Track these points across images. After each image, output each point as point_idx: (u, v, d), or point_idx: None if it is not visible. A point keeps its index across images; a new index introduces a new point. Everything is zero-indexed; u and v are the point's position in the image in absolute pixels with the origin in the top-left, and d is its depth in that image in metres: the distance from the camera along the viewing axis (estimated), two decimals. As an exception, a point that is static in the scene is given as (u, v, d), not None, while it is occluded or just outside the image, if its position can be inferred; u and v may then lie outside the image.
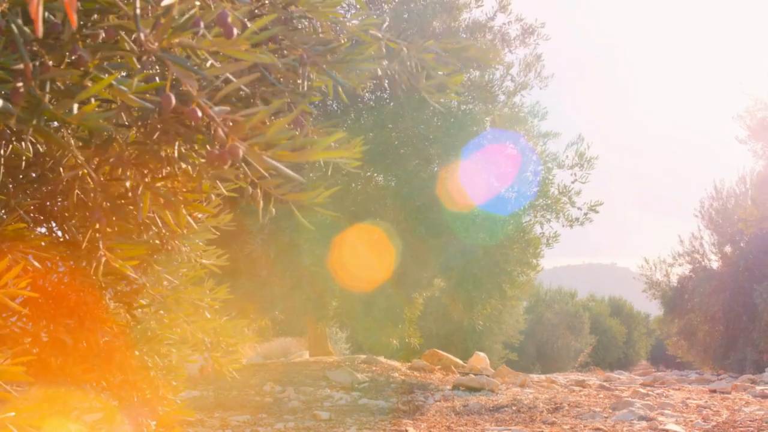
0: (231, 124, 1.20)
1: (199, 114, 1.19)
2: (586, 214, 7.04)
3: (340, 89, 2.10)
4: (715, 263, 13.99)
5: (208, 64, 1.33)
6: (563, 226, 7.11)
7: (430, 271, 7.67)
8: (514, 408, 5.75)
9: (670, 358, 18.33)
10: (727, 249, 13.40)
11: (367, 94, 7.46)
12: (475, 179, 7.20)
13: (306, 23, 1.98)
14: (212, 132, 1.20)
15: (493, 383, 6.34)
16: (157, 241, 2.30)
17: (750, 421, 5.27)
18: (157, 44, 1.06)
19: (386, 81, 2.25)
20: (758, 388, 7.18)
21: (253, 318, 7.56)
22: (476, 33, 7.12)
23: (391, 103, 7.05)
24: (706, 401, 6.23)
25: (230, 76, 1.28)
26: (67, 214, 2.14)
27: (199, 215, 2.44)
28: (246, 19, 1.61)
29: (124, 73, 1.31)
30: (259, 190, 2.27)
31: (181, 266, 2.46)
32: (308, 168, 6.43)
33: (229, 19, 1.17)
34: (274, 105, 1.21)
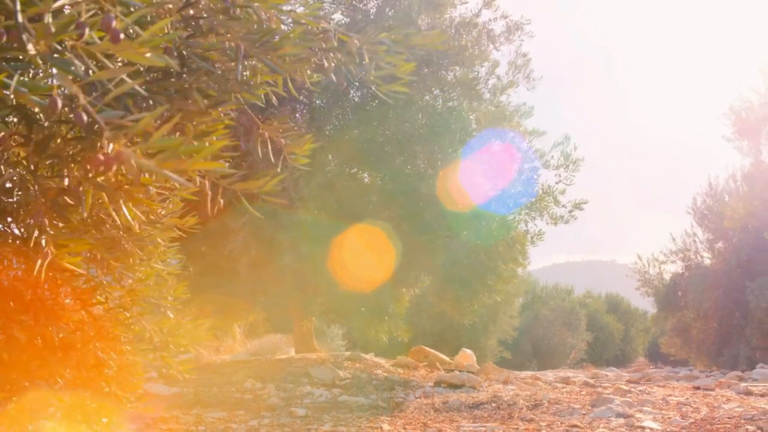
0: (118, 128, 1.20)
1: (85, 118, 1.19)
2: (570, 212, 7.04)
3: (280, 80, 2.09)
4: (707, 260, 13.99)
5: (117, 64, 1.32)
6: (547, 224, 7.12)
7: (417, 268, 7.67)
8: (493, 405, 5.76)
9: (667, 355, 18.37)
10: (720, 246, 13.39)
11: (352, 92, 7.46)
12: (460, 177, 7.20)
13: (250, 12, 1.97)
14: (100, 137, 1.20)
15: (474, 380, 6.35)
16: (127, 242, 2.30)
17: (728, 418, 5.27)
18: (34, 46, 1.06)
19: (332, 72, 2.25)
20: (742, 385, 7.18)
21: (237, 315, 7.56)
22: (461, 30, 7.11)
23: (376, 101, 7.04)
24: (687, 398, 6.23)
25: (126, 78, 1.28)
26: (22, 211, 2.14)
27: (162, 213, 2.45)
28: (173, 18, 1.60)
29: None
30: (206, 181, 2.27)
31: (139, 265, 2.46)
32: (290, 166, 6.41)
33: (114, 24, 1.16)
34: (158, 111, 1.21)
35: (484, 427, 4.84)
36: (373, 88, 2.23)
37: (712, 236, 13.61)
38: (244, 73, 2.00)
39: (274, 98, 2.19)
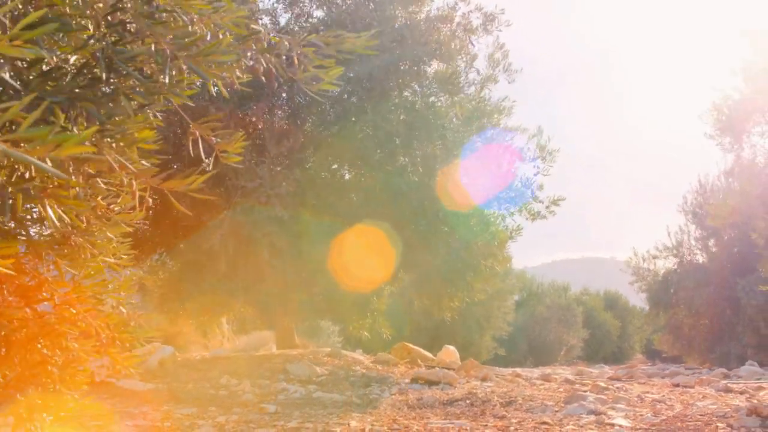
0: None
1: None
2: (548, 207, 7.05)
3: (210, 83, 2.10)
4: (700, 258, 13.97)
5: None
6: (526, 218, 7.13)
7: (397, 264, 7.67)
8: (467, 402, 5.76)
9: (664, 353, 18.30)
10: (711, 243, 13.36)
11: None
12: (440, 174, 7.19)
13: (176, 17, 1.98)
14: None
15: (451, 376, 6.35)
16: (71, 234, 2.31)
17: (700, 415, 5.26)
18: None
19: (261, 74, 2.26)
20: (723, 382, 7.17)
21: (219, 312, 7.58)
22: (439, 23, 7.09)
23: (353, 98, 7.03)
24: (664, 395, 6.22)
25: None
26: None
27: (116, 209, 2.46)
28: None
29: None
30: (133, 181, 2.28)
31: (89, 260, 2.47)
32: (268, 162, 6.43)
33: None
34: (25, 100, 1.21)
35: (453, 424, 4.84)
36: (302, 87, 2.24)
37: (704, 233, 13.58)
38: (172, 74, 2.01)
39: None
